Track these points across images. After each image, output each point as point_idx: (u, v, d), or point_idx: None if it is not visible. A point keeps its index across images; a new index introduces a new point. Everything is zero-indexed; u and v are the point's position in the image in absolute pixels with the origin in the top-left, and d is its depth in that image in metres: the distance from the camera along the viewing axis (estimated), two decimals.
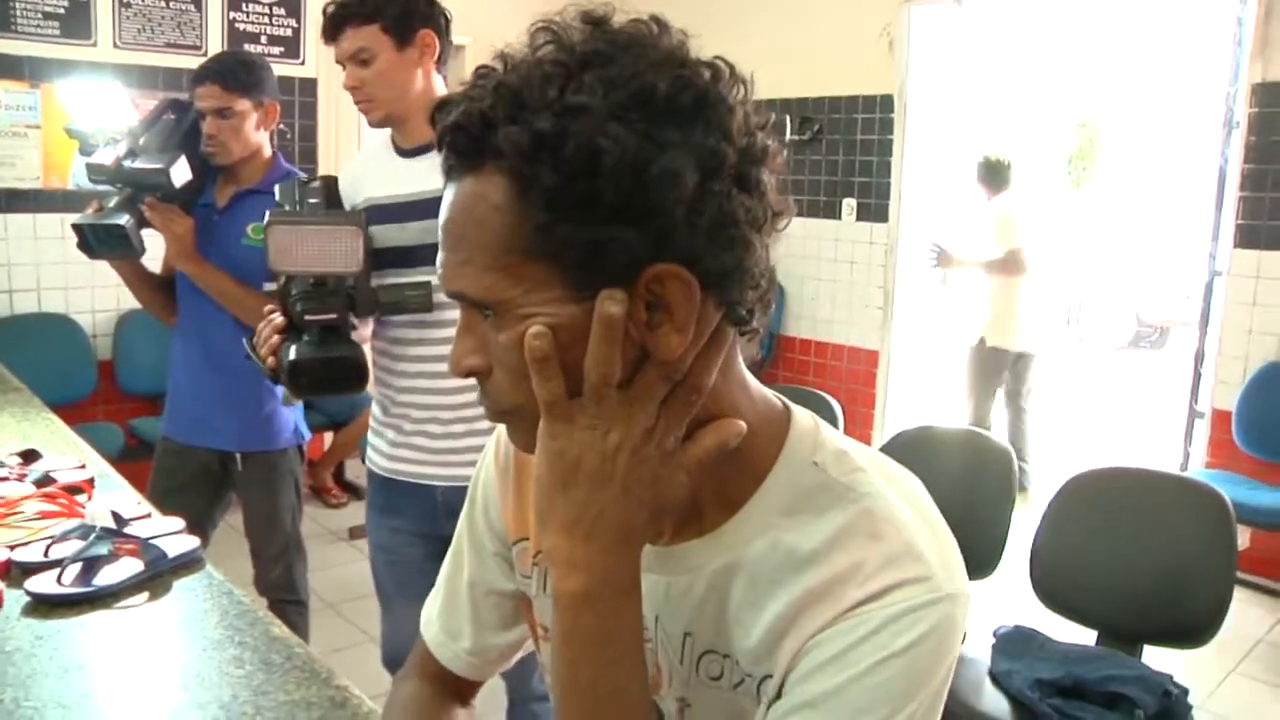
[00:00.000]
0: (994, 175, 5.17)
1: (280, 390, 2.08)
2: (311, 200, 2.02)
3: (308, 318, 1.85)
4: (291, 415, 2.68)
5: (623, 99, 0.65)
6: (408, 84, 1.99)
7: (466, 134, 0.68)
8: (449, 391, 2.00)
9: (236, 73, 2.48)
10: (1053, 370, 5.43)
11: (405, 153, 2.04)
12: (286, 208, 2.02)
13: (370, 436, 2.18)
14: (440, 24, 2.03)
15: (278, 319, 1.88)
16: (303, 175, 2.00)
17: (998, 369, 5.19)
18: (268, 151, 2.59)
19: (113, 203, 2.41)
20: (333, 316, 1.86)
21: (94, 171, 2.41)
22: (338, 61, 2.01)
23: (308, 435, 2.77)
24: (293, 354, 1.83)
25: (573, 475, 0.70)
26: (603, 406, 0.69)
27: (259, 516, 2.72)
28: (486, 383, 0.74)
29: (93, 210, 2.42)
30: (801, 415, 0.80)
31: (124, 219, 2.36)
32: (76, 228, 2.39)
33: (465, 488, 2.09)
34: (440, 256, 0.72)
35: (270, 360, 1.87)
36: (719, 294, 0.70)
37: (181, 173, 2.39)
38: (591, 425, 0.69)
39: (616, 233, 0.65)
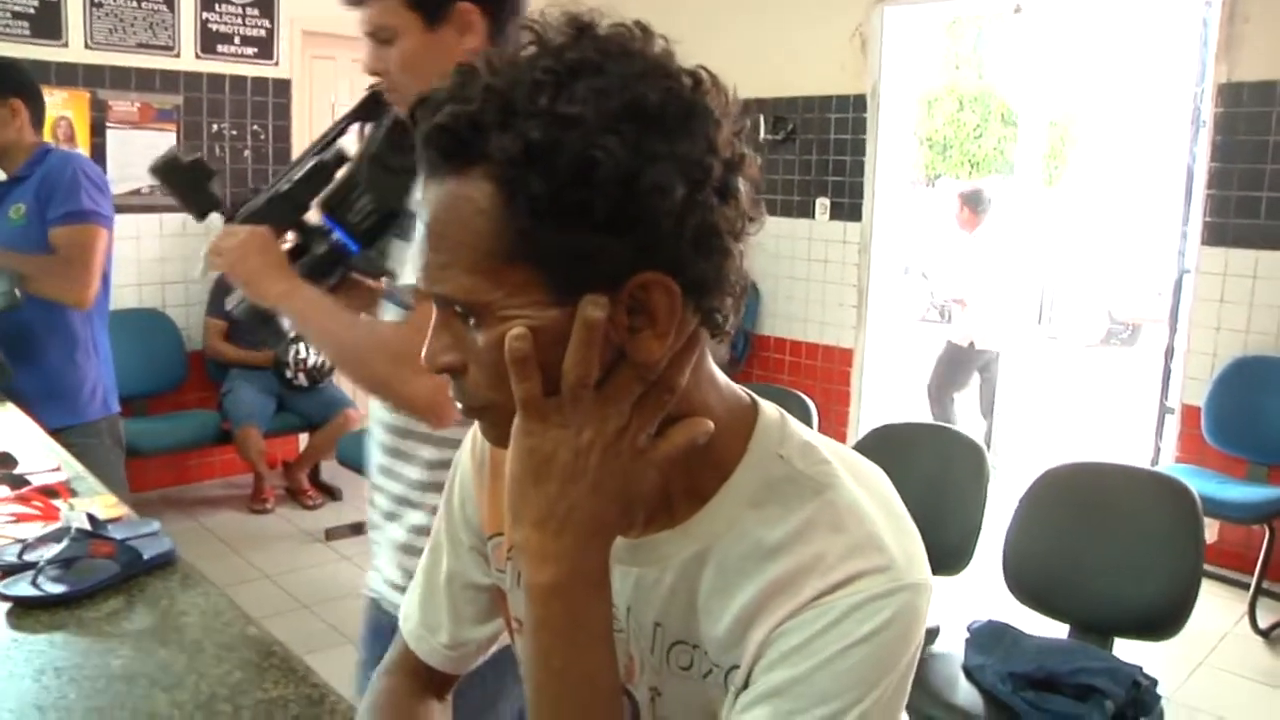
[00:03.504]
0: (976, 205, 5.74)
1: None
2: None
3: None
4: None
5: (614, 110, 0.65)
6: (436, 71, 1.55)
7: (453, 136, 0.68)
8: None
9: None
10: (1025, 367, 5.58)
11: None
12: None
13: None
14: None
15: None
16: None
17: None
18: (29, 141, 2.68)
19: None
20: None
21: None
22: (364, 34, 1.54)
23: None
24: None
25: (546, 471, 0.72)
26: (578, 406, 0.70)
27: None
28: (461, 379, 0.75)
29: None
30: (768, 409, 0.81)
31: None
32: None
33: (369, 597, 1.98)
34: (422, 258, 0.73)
35: None
36: (698, 301, 0.71)
37: None
38: (566, 423, 0.71)
39: (604, 242, 0.66)
